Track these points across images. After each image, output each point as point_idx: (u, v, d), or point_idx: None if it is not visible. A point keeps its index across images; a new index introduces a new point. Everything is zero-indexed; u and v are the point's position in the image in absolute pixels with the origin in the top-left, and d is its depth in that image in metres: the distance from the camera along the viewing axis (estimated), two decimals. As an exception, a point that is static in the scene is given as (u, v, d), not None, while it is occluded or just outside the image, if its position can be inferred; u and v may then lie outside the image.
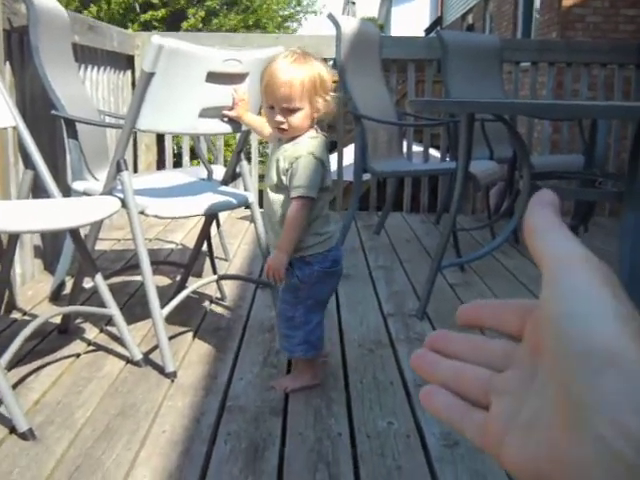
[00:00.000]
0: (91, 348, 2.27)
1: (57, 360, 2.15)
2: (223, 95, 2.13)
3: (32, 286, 2.94)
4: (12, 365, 2.06)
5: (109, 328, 2.42)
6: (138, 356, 2.11)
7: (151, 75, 1.94)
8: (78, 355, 2.20)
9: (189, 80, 2.03)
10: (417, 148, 4.95)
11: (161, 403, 1.87)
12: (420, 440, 1.71)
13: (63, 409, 1.83)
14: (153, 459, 1.60)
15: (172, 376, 2.02)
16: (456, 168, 2.78)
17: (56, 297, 2.73)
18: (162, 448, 1.65)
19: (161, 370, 2.06)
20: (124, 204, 2.07)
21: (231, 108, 2.14)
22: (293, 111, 1.77)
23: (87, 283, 2.39)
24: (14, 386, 1.89)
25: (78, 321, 2.48)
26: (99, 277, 2.09)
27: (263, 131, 2.09)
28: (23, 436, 1.67)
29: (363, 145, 3.54)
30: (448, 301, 2.81)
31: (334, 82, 1.85)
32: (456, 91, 3.85)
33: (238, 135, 2.46)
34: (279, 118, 1.79)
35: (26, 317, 2.56)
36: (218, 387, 1.98)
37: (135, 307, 2.64)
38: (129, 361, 2.14)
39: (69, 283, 2.82)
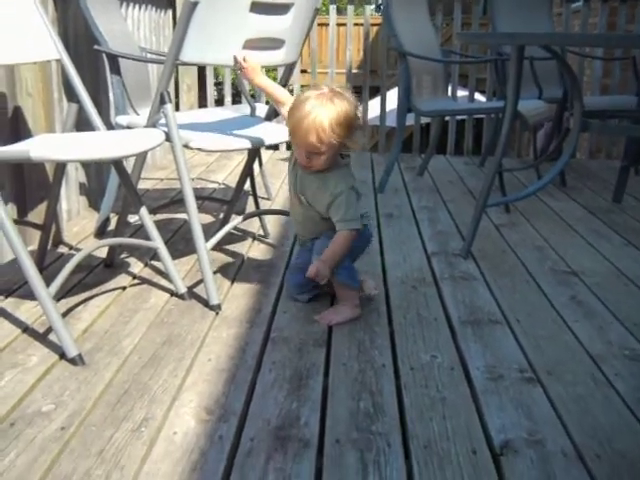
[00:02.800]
0: (136, 281, 2.29)
1: (103, 292, 2.18)
2: (267, 26, 2.09)
3: (77, 222, 2.97)
4: (60, 296, 2.10)
5: (154, 262, 2.44)
6: (182, 289, 2.13)
7: (195, 5, 1.90)
8: (124, 288, 2.23)
9: (233, 10, 1.99)
10: (462, 92, 4.83)
11: (206, 334, 1.89)
12: (464, 373, 1.70)
13: (110, 337, 1.86)
14: (199, 385, 1.62)
15: (216, 309, 2.03)
16: (504, 106, 2.71)
17: (101, 233, 2.76)
18: (208, 375, 1.67)
19: (205, 303, 2.07)
20: (168, 137, 2.05)
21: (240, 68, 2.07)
22: (319, 154, 1.82)
23: (131, 218, 2.41)
24: (63, 315, 1.92)
25: (123, 256, 2.51)
26: (144, 210, 2.10)
27: (276, 96, 2.06)
28: (73, 361, 1.70)
29: (407, 84, 3.46)
30: (493, 241, 2.77)
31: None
32: (503, 29, 3.73)
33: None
34: (304, 158, 1.85)
35: (72, 251, 2.60)
36: (262, 319, 1.99)
37: (178, 243, 2.66)
38: (173, 294, 2.16)
39: (113, 220, 2.85)
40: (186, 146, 2.07)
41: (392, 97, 4.76)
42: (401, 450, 1.38)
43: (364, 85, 4.80)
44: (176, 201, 2.74)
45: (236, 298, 2.15)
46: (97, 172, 3.26)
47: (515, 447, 1.40)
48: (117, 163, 2.08)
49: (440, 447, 1.39)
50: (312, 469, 1.32)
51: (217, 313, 2.02)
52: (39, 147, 1.75)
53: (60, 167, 2.28)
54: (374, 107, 5.05)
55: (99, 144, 1.91)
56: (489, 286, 2.27)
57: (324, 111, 1.76)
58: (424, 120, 4.95)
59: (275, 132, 2.30)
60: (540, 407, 1.55)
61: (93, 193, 3.22)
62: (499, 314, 2.05)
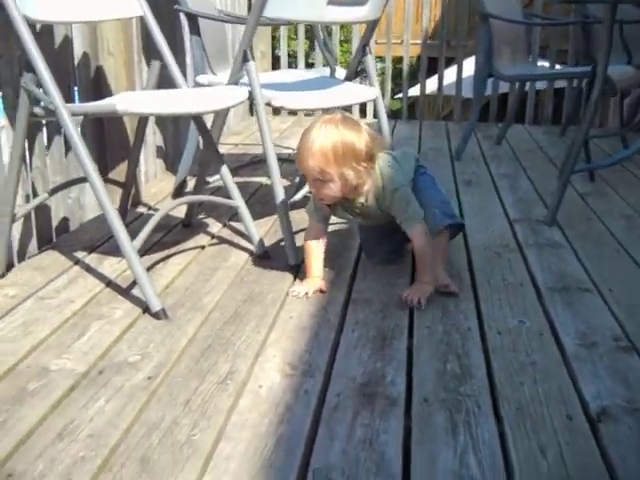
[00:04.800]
0: (215, 241, 2.30)
1: (183, 251, 2.19)
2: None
3: (155, 184, 3.00)
4: (141, 254, 2.11)
5: (232, 223, 2.44)
6: (262, 249, 2.11)
7: (279, -42, 1.86)
8: (203, 247, 2.23)
9: (318, -36, 1.94)
10: (541, 63, 4.65)
11: (287, 292, 1.87)
12: (554, 339, 1.63)
13: (192, 294, 1.87)
14: (282, 341, 1.60)
15: (296, 269, 2.02)
16: (591, 70, 2.59)
17: (178, 194, 2.77)
18: (290, 332, 1.65)
19: (284, 264, 2.05)
20: (250, 96, 2.03)
21: None
22: (324, 182, 1.74)
23: (210, 178, 2.41)
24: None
25: (201, 217, 2.52)
26: (225, 168, 2.09)
27: None
28: (156, 315, 1.71)
29: (489, 47, 3.35)
30: (578, 209, 2.67)
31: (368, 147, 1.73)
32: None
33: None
34: (313, 187, 1.80)
35: (151, 211, 2.62)
36: (342, 281, 1.96)
37: (255, 206, 2.64)
38: (253, 254, 2.15)
39: (190, 183, 2.86)
40: (268, 104, 2.05)
41: (467, 66, 4.65)
42: (491, 412, 1.34)
43: (439, 55, 4.70)
44: (254, 162, 2.73)
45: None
46: (174, 136, 3.28)
47: (613, 414, 1.33)
48: (198, 120, 2.07)
49: (533, 410, 1.34)
50: (400, 427, 1.29)
51: (297, 273, 2.00)
52: (125, 101, 1.75)
53: (141, 127, 2.29)
54: (449, 76, 4.92)
55: (183, 100, 1.90)
56: (577, 254, 2.19)
57: (324, 137, 1.69)
58: (501, 90, 4.81)
59: (356, 92, 2.25)
60: (638, 376, 1.47)
61: (170, 157, 3.24)
62: (589, 282, 1.96)
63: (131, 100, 1.80)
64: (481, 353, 1.56)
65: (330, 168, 1.69)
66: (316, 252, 1.90)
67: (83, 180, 1.98)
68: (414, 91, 5.10)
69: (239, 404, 1.35)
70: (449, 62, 5.11)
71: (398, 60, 5.51)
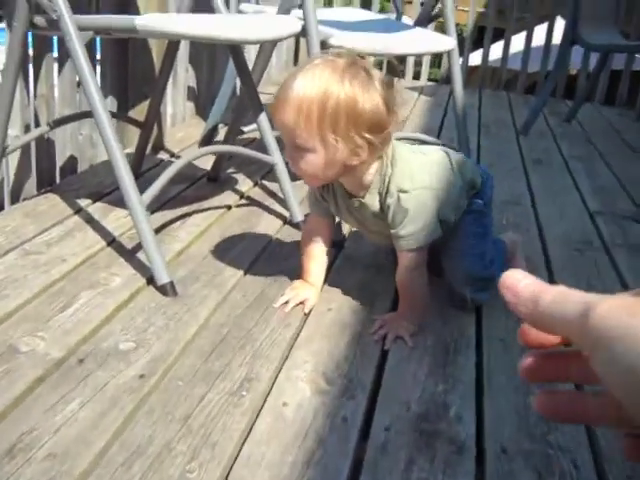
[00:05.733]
0: (244, 201, 1.95)
1: (205, 210, 1.85)
2: None
3: (182, 129, 2.65)
4: (156, 208, 1.77)
5: (265, 182, 2.09)
6: (299, 217, 1.76)
7: None
8: (229, 207, 1.89)
9: None
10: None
11: (325, 275, 1.52)
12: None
13: (209, 265, 1.53)
14: (316, 341, 1.26)
15: (339, 245, 1.66)
16: None
17: (207, 142, 2.42)
18: (327, 329, 1.30)
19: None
20: (303, 31, 1.66)
21: None
22: (301, 150, 1.15)
23: (245, 127, 2.05)
24: (157, 231, 1.61)
25: (230, 171, 2.16)
26: (264, 117, 1.73)
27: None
28: (162, 290, 1.37)
29: (575, 11, 2.93)
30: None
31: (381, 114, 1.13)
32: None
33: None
34: (287, 157, 1.21)
35: (173, 159, 2.27)
36: (391, 265, 1.60)
37: (293, 165, 2.29)
38: (287, 222, 1.80)
39: (222, 131, 2.50)
40: (324, 43, 1.67)
41: (516, 41, 4.23)
42: (594, 475, 0.99)
43: (488, 26, 4.27)
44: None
45: (360, 237, 1.76)
46: (208, 77, 2.91)
47: None
48: (239, 55, 1.70)
49: (651, 481, 0.99)
50: (472, 489, 0.94)
51: (340, 251, 1.65)
52: (146, 18, 1.39)
53: (169, 59, 1.93)
54: (496, 51, 4.47)
55: (221, 24, 1.53)
56: (676, 261, 1.81)
57: (312, 82, 1.10)
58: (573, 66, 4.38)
59: (430, 40, 1.86)
60: None
61: (202, 99, 2.88)
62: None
63: (155, 18, 1.43)
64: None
65: (308, 130, 1.10)
66: (312, 253, 1.39)
67: (89, 115, 1.64)
68: (476, 59, 4.67)
69: (255, 429, 1.01)
70: (500, 34, 4.67)
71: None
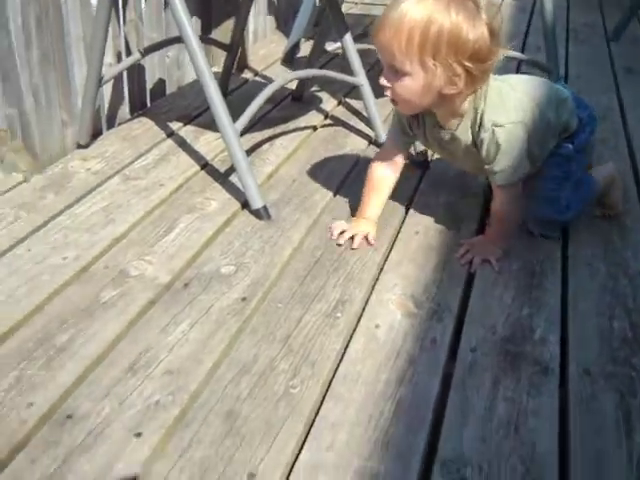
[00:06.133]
0: (329, 122, 1.98)
1: (291, 131, 1.89)
2: None
3: (264, 45, 2.66)
4: (244, 130, 1.82)
5: (349, 100, 2.10)
6: (383, 137, 1.78)
7: None
8: (314, 128, 1.92)
9: None
10: None
11: (412, 197, 1.56)
12: None
13: (299, 188, 1.58)
14: (404, 265, 1.31)
15: (425, 166, 1.69)
16: None
17: (289, 59, 2.44)
18: (414, 252, 1.35)
19: (411, 158, 1.72)
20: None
21: None
22: (399, 73, 1.15)
23: (329, 46, 2.06)
24: (246, 154, 1.66)
25: (313, 89, 2.18)
26: (348, 36, 1.73)
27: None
28: (257, 214, 1.44)
29: None
30: None
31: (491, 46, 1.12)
32: None
33: None
34: (383, 80, 1.20)
35: (258, 78, 2.31)
36: (478, 186, 1.62)
37: (375, 79, 2.28)
38: (373, 142, 1.83)
39: (304, 46, 2.51)
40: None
41: None
42: (678, 399, 1.03)
43: None
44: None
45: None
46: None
47: None
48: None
49: None
50: (555, 409, 0.99)
51: (425, 172, 1.67)
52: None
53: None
54: None
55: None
56: None
57: (418, 4, 1.11)
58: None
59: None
60: None
61: (283, 13, 2.87)
62: None
63: None
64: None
65: (409, 52, 1.11)
66: (380, 185, 1.41)
67: (180, 40, 1.67)
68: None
69: (350, 349, 1.09)
70: None
71: None
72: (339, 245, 1.36)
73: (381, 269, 1.30)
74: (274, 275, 1.26)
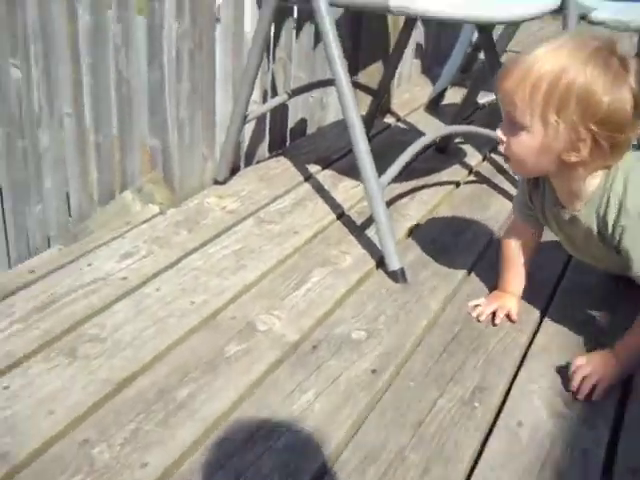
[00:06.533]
0: (473, 178, 1.88)
1: (433, 185, 1.80)
2: None
3: (408, 89, 2.60)
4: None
5: (495, 156, 1.99)
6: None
7: None
8: (457, 184, 1.83)
9: None
10: None
11: (561, 274, 1.43)
12: None
13: (439, 252, 1.48)
14: (552, 351, 1.17)
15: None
16: None
17: (434, 106, 2.36)
18: (566, 336, 1.22)
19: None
20: (562, 3, 1.51)
21: None
22: (515, 126, 1.02)
23: (482, 98, 1.96)
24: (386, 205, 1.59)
25: (457, 141, 2.09)
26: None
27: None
28: (393, 276, 1.36)
29: None
30: None
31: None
32: None
33: None
34: (500, 132, 1.06)
35: (400, 124, 2.24)
36: None
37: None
38: (519, 205, 1.71)
39: (448, 92, 2.42)
40: (584, 18, 1.52)
41: None
42: None
43: None
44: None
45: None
46: (436, 33, 2.82)
47: None
48: (485, 29, 1.61)
49: None
50: None
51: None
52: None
53: (408, 29, 1.87)
54: None
55: (470, 1, 1.44)
56: None
57: (551, 58, 0.98)
58: None
59: None
60: None
61: (429, 58, 2.80)
62: None
63: None
64: None
65: (532, 102, 0.98)
66: (515, 260, 1.27)
67: (329, 83, 1.63)
68: None
69: (488, 447, 0.97)
70: None
71: None
72: (479, 321, 1.25)
73: (525, 354, 1.18)
74: (408, 347, 1.17)
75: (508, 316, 1.26)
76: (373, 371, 1.10)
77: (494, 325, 1.24)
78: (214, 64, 1.61)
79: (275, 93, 1.85)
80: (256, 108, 1.69)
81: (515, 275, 1.28)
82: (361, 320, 1.23)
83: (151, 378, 1.06)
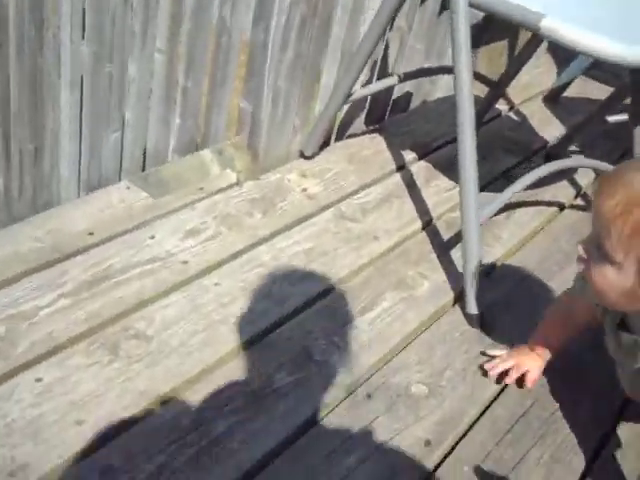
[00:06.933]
0: (579, 202, 1.70)
1: (534, 204, 1.62)
2: None
3: (528, 70, 2.32)
4: (482, 187, 1.59)
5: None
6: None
7: None
8: (561, 207, 1.65)
9: None
10: None
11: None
12: None
13: (527, 293, 1.34)
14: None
15: None
16: None
17: (554, 98, 2.15)
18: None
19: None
20: None
21: None
22: (600, 255, 0.83)
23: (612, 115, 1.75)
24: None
25: (572, 148, 1.89)
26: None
27: None
28: (468, 318, 1.23)
29: None
30: None
31: None
32: None
33: None
34: (581, 246, 0.89)
35: (512, 114, 2.04)
36: None
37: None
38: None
39: (576, 83, 2.19)
40: None
41: None
42: None
43: None
44: None
45: None
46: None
47: None
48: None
49: None
50: None
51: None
52: (556, 20, 1.12)
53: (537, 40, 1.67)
54: None
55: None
56: None
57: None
58: None
59: None
60: None
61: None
62: None
63: (567, 13, 1.16)
64: None
65: (632, 243, 0.80)
66: (557, 326, 1.12)
67: (447, 70, 1.46)
68: None
69: None
70: None
71: None
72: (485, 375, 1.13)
73: (597, 453, 1.05)
74: (469, 418, 1.06)
75: (521, 379, 1.12)
76: (427, 442, 1.00)
77: (497, 383, 1.12)
78: (326, 34, 1.46)
79: (385, 66, 1.68)
80: (360, 87, 1.53)
81: (551, 335, 1.12)
82: (425, 370, 1.12)
83: (190, 399, 0.98)
